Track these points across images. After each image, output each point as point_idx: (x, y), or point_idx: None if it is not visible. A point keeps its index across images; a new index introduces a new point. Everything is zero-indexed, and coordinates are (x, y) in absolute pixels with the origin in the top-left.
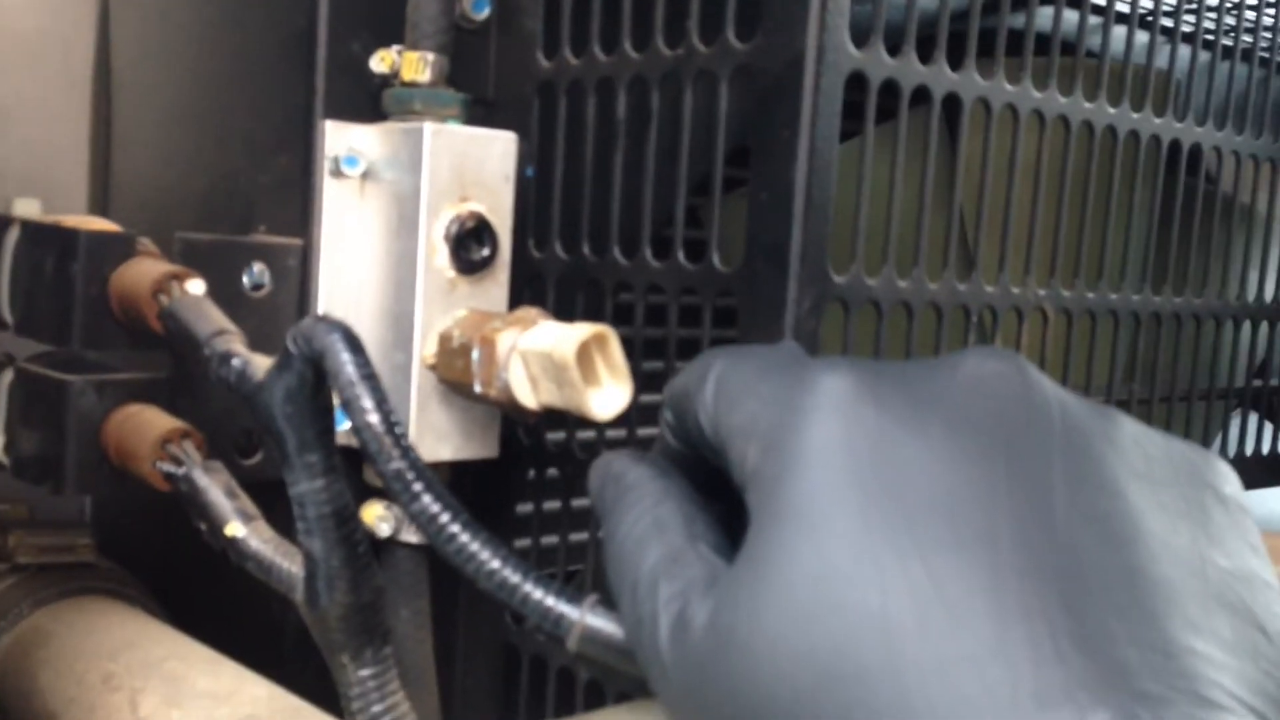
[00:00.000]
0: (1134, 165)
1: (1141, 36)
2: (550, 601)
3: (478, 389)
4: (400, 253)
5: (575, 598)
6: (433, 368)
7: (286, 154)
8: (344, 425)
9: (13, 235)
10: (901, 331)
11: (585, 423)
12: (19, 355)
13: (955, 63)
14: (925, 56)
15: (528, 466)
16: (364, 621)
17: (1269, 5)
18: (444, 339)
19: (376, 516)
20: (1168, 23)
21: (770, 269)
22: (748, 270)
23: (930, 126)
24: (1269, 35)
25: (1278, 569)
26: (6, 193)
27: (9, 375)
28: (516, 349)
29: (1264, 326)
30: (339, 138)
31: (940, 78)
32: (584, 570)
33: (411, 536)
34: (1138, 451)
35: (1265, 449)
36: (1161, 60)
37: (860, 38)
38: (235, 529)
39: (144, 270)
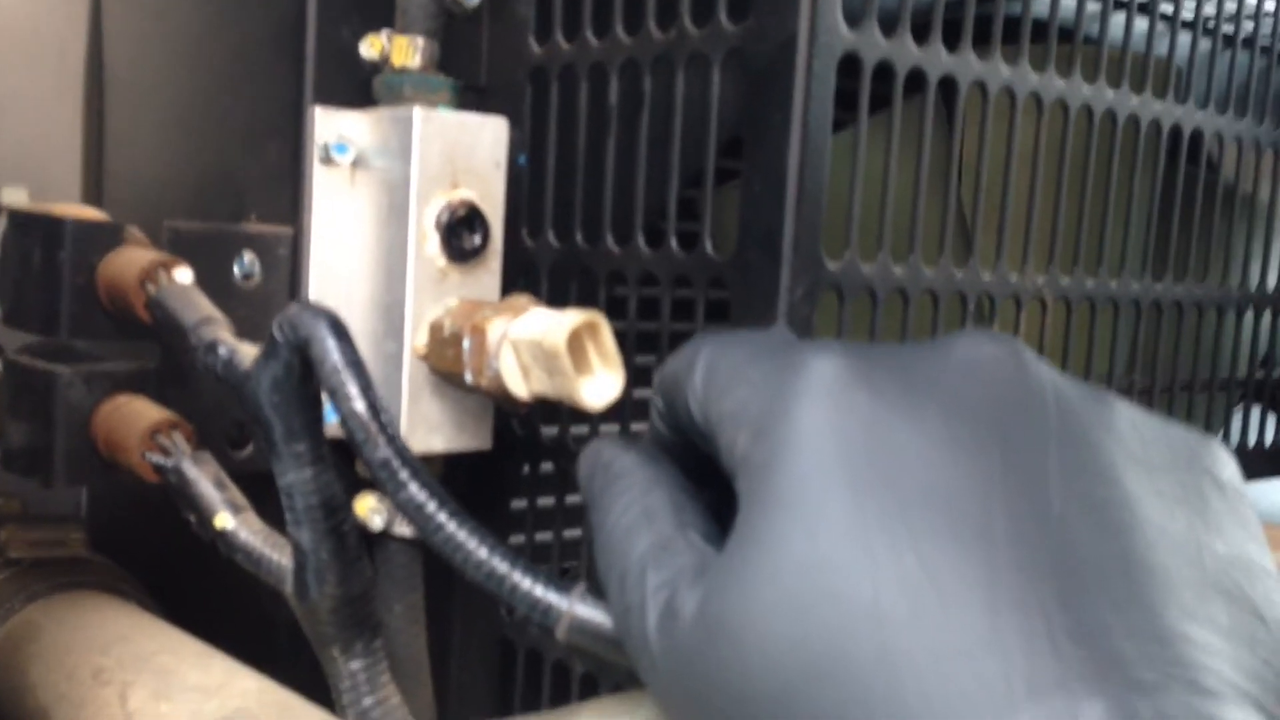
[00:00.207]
0: (1134, 151)
1: (1141, 23)
2: (539, 591)
3: (469, 379)
4: (391, 241)
5: (564, 587)
6: (424, 358)
7: (277, 142)
8: (335, 418)
9: None
10: (898, 319)
11: (579, 415)
12: (9, 346)
13: (952, 46)
14: (922, 40)
15: (522, 460)
16: (354, 614)
17: None
18: (435, 329)
19: (369, 509)
20: (1167, 8)
21: (763, 256)
22: (740, 258)
23: (926, 110)
24: (1271, 21)
25: (1277, 557)
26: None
27: None
28: (507, 337)
29: (1266, 316)
30: (329, 125)
31: (936, 59)
32: (578, 566)
33: (405, 529)
34: (1134, 437)
35: (1269, 440)
36: (1162, 47)
37: (854, 19)
38: (224, 520)
39: (131, 259)
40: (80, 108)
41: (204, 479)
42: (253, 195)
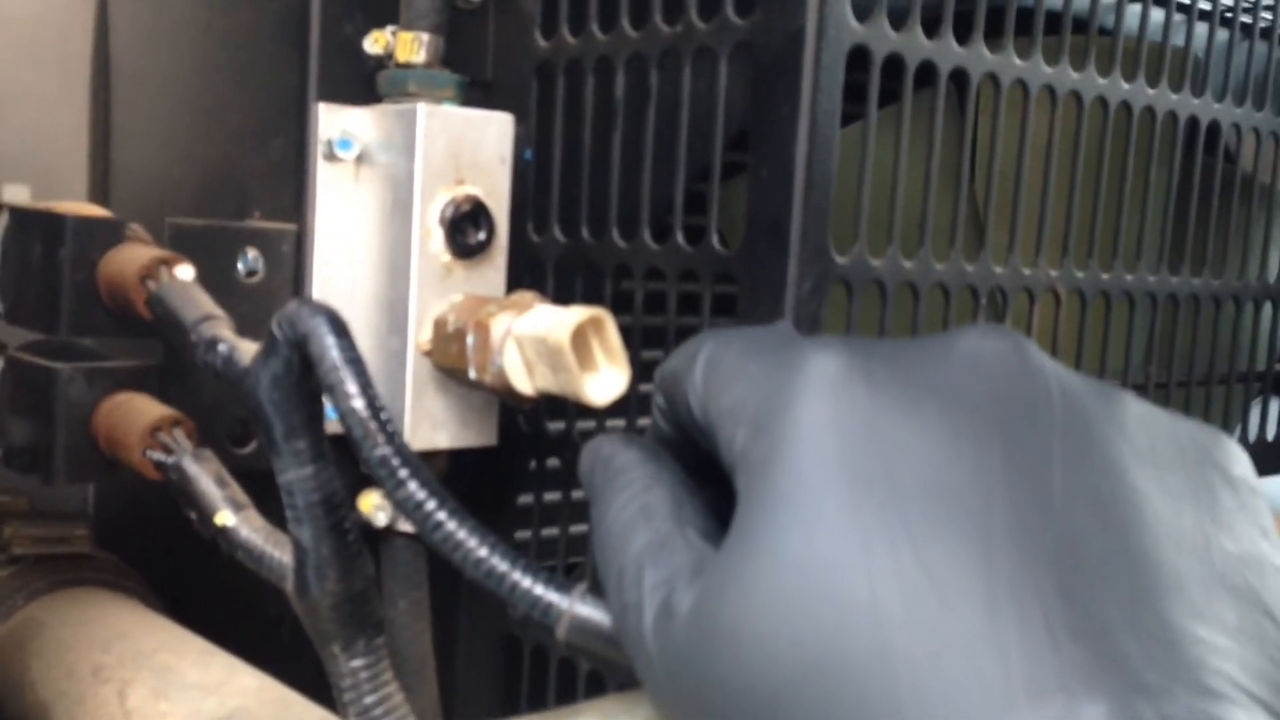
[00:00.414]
0: (1149, 143)
1: (1157, 13)
2: (539, 590)
3: (473, 375)
4: (395, 237)
5: (564, 586)
6: (428, 354)
7: (281, 138)
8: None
9: (1, 221)
10: (908, 314)
11: (585, 411)
12: (11, 343)
13: (964, 38)
14: (932, 32)
15: (528, 456)
16: (355, 611)
17: None
18: (439, 324)
19: (374, 505)
20: None
21: (770, 249)
22: (747, 251)
23: (937, 103)
24: None
25: None
26: (6, 180)
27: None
28: (511, 333)
29: None
30: (332, 120)
31: (947, 52)
32: (585, 561)
33: (409, 526)
34: (1142, 432)
35: None
36: (1179, 37)
37: (863, 12)
38: (225, 518)
39: (132, 256)
40: (86, 104)
41: (205, 476)
42: (257, 191)
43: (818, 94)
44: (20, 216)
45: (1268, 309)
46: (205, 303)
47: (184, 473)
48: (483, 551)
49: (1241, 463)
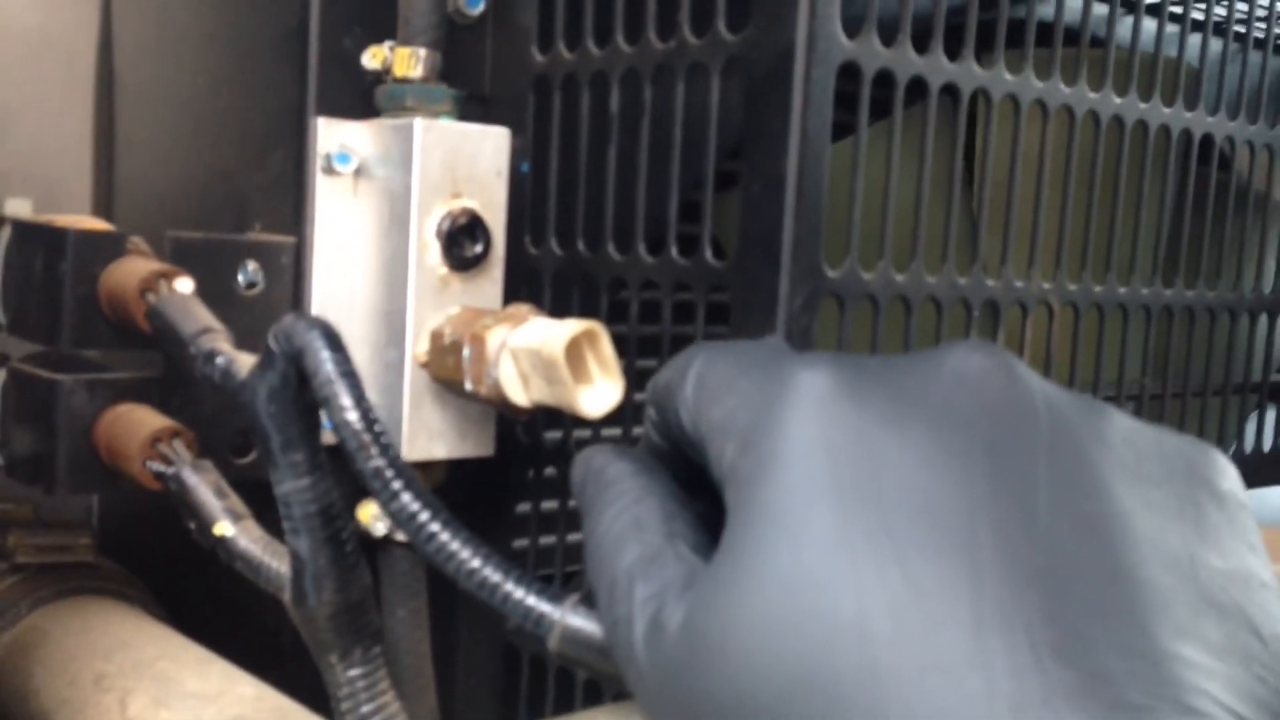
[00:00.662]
0: (1143, 156)
1: (1150, 25)
2: (531, 600)
3: (469, 387)
4: (392, 250)
5: (557, 597)
6: (425, 366)
7: (280, 152)
8: None
9: (3, 235)
10: (900, 327)
11: (582, 421)
12: (15, 355)
13: (954, 54)
14: (923, 48)
15: (525, 465)
16: (352, 621)
17: None
18: (436, 337)
19: (372, 515)
20: (1176, 9)
21: (762, 262)
22: (740, 264)
23: (928, 118)
24: None
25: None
26: (9, 193)
27: (2, 375)
28: (507, 346)
29: None
30: (331, 135)
31: (937, 67)
32: (583, 571)
33: None
34: (1128, 448)
35: None
36: (1171, 49)
37: (854, 28)
38: (224, 528)
39: (132, 269)
40: (90, 118)
41: (204, 486)
42: (257, 205)
43: (808, 109)
44: (22, 230)
45: (1263, 320)
46: (204, 315)
47: (183, 483)
48: (475, 562)
49: (1229, 477)
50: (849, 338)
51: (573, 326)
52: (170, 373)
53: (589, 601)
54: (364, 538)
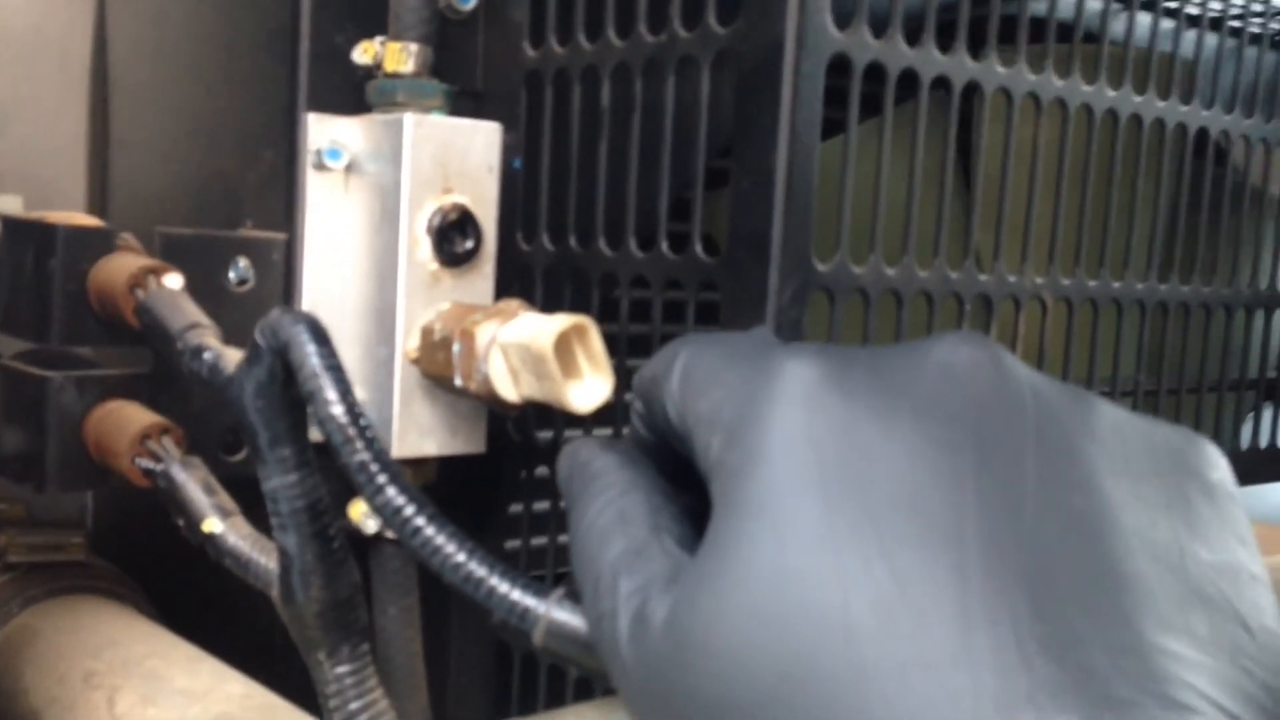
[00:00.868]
0: (1137, 150)
1: (1144, 19)
2: (516, 595)
3: (459, 382)
4: (383, 246)
5: (541, 591)
6: (416, 362)
7: (272, 148)
8: None
9: None
10: (891, 321)
11: (573, 419)
12: (5, 353)
13: (946, 48)
14: (915, 41)
15: (517, 465)
16: (340, 618)
17: None
18: (426, 332)
19: (363, 513)
20: (1171, 4)
21: (751, 258)
22: (730, 260)
23: (919, 111)
24: None
25: (1271, 561)
26: (1, 191)
27: None
28: (496, 341)
29: (1278, 316)
30: (322, 130)
31: (929, 60)
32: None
33: None
34: (1117, 440)
35: None
36: (1166, 44)
37: (844, 21)
38: (212, 525)
39: (122, 265)
40: (85, 117)
41: (193, 483)
42: (249, 201)
43: (798, 103)
44: (13, 226)
45: (1260, 316)
46: (192, 311)
47: (172, 480)
48: (460, 557)
49: (1219, 468)
50: (840, 332)
51: (562, 321)
52: (160, 369)
53: (574, 596)
54: (355, 536)
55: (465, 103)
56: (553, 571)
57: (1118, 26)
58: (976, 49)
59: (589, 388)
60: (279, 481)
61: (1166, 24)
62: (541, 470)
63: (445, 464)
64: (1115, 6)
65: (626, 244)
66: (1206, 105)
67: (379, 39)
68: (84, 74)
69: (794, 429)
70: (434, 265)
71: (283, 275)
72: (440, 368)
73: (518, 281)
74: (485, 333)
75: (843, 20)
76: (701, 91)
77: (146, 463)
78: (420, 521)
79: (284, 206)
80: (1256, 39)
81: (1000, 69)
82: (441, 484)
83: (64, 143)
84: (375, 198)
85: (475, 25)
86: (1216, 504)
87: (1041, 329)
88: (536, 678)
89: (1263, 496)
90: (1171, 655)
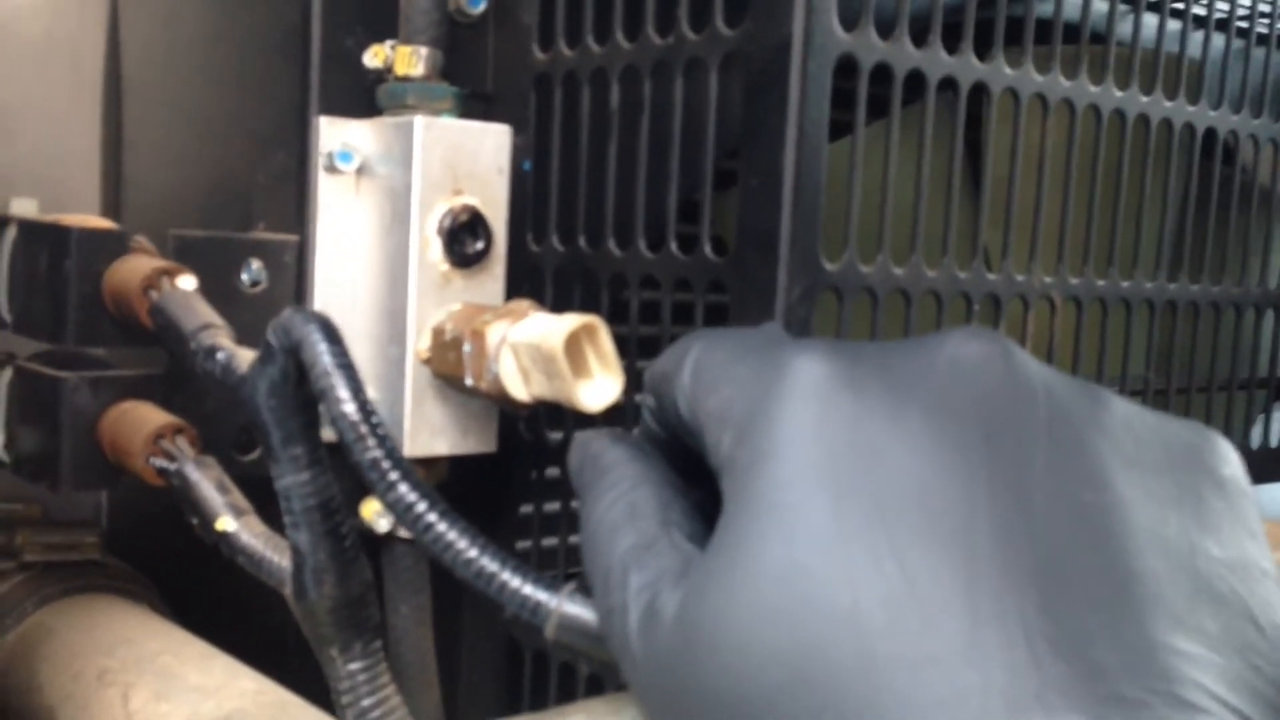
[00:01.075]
0: (1145, 150)
1: (1151, 19)
2: (528, 589)
3: (469, 382)
4: (394, 247)
5: (553, 585)
6: (427, 362)
7: (283, 151)
8: None
9: (10, 234)
10: (900, 321)
11: (585, 419)
12: (20, 354)
13: (953, 49)
14: (921, 42)
15: (528, 465)
16: (352, 615)
17: None
18: (437, 333)
19: (375, 512)
20: (1178, 5)
21: (760, 258)
22: (738, 259)
23: (926, 111)
24: None
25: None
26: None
27: (8, 373)
28: (506, 341)
29: None
30: (333, 133)
31: (935, 61)
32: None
33: None
34: (1128, 436)
35: None
36: (1173, 44)
37: (851, 22)
38: (226, 523)
39: (135, 266)
40: (99, 120)
41: (206, 482)
42: (261, 203)
43: (805, 103)
44: (28, 229)
45: (1270, 316)
46: (205, 311)
47: (186, 479)
48: (472, 552)
49: (1231, 462)
50: (848, 332)
51: (572, 321)
52: (174, 370)
53: (586, 590)
54: (368, 534)
55: (475, 105)
56: (563, 572)
57: (1125, 27)
58: (983, 50)
59: (599, 387)
60: (292, 480)
61: (1173, 25)
62: (552, 471)
63: (456, 464)
64: (1122, 8)
65: (636, 245)
66: (1214, 105)
67: (389, 42)
68: (97, 77)
69: (804, 425)
70: (445, 266)
71: (295, 276)
72: (451, 367)
73: (528, 282)
74: (496, 333)
75: (849, 22)
76: (709, 93)
77: (161, 462)
78: (432, 517)
79: (296, 208)
80: (1264, 39)
81: (1007, 70)
82: (453, 484)
83: (77, 146)
84: (386, 200)
85: (485, 28)
86: (1228, 499)
87: (1050, 328)
88: (548, 674)
89: (1274, 496)
90: (1181, 653)
